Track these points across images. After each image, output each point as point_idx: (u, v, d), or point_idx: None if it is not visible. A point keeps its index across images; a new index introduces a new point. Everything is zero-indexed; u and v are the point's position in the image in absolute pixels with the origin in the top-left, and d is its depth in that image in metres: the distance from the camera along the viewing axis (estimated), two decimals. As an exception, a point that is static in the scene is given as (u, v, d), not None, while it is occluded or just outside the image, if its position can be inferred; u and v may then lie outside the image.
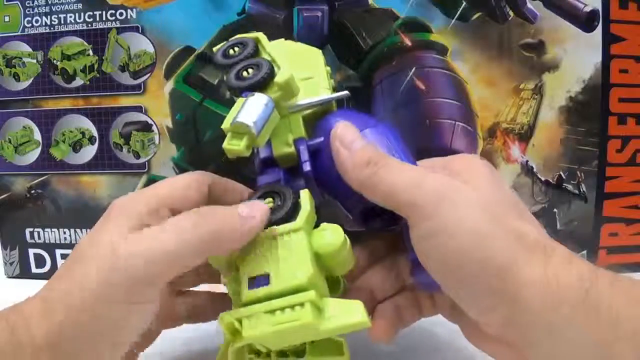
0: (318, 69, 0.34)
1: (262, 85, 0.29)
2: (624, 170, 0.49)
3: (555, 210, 0.50)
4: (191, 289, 0.36)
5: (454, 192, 0.26)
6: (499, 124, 0.49)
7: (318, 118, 0.32)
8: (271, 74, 0.29)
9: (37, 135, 0.50)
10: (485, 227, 0.25)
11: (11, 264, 0.53)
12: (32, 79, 0.50)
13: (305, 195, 0.29)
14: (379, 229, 0.31)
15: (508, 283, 0.25)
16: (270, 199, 0.29)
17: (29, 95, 0.50)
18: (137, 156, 0.50)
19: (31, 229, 0.52)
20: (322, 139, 0.30)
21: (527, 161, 0.49)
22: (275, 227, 0.28)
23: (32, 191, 0.51)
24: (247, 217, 0.27)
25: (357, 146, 0.28)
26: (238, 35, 0.33)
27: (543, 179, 0.49)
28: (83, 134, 0.50)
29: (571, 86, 0.48)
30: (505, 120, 0.49)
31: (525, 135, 0.49)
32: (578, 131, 0.49)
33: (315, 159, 0.30)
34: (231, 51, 0.32)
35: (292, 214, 0.28)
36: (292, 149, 0.30)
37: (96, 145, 0.50)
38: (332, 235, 0.28)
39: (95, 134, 0.50)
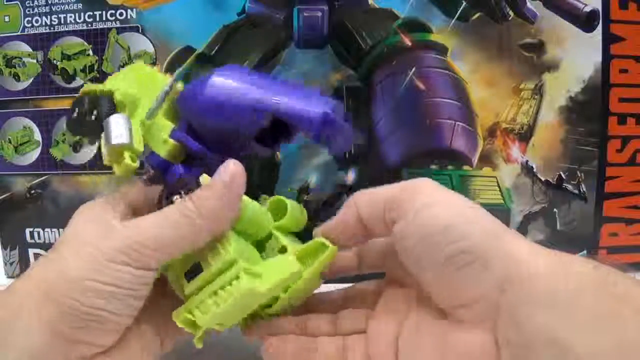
0: (156, 76, 0.34)
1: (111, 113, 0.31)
2: (624, 170, 0.49)
3: (555, 210, 0.50)
4: None
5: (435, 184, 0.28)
6: (499, 124, 0.49)
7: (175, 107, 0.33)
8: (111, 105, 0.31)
9: (37, 135, 0.50)
10: (472, 206, 0.27)
11: (11, 264, 0.53)
12: (32, 79, 0.50)
13: (204, 179, 0.30)
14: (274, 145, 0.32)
15: (508, 246, 0.25)
16: (177, 196, 0.30)
17: (29, 95, 0.50)
18: (137, 156, 0.50)
19: (31, 229, 0.52)
20: (184, 122, 0.31)
21: (527, 161, 0.49)
22: None
23: (32, 191, 0.51)
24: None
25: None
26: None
27: (543, 179, 0.49)
28: (83, 134, 0.50)
29: (571, 86, 0.48)
30: (505, 120, 0.49)
31: (525, 135, 0.49)
32: (578, 131, 0.49)
33: (194, 133, 0.31)
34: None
35: None
36: (171, 143, 0.31)
37: (96, 145, 0.50)
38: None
39: (95, 134, 0.50)
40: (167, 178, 0.31)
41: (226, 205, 0.28)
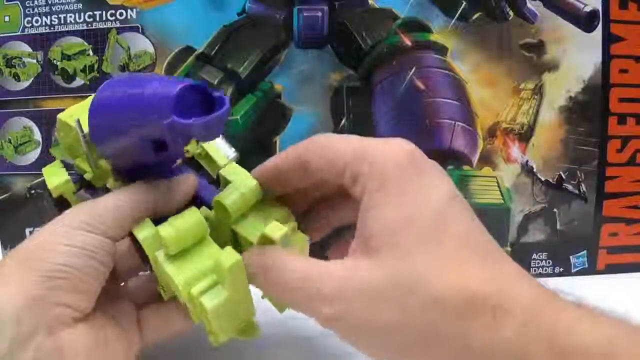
0: None
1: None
2: (624, 170, 0.49)
3: (555, 210, 0.50)
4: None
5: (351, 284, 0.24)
6: (499, 124, 0.49)
7: None
8: None
9: (37, 135, 0.50)
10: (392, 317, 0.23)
11: (11, 264, 0.53)
12: (32, 79, 0.50)
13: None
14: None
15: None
16: None
17: (29, 95, 0.50)
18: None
19: (31, 229, 0.52)
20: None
21: (527, 161, 0.49)
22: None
23: (32, 191, 0.51)
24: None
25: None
26: None
27: (543, 179, 0.49)
28: (83, 134, 0.50)
29: (571, 86, 0.48)
30: (505, 120, 0.49)
31: (525, 135, 0.49)
32: (578, 131, 0.49)
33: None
34: None
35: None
36: (112, 182, 0.33)
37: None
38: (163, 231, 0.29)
39: (95, 134, 0.50)
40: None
41: (175, 199, 0.31)
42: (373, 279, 0.24)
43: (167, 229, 0.28)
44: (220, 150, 0.35)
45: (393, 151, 0.26)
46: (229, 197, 0.30)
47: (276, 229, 0.29)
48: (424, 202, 0.25)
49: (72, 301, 0.27)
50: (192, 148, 0.36)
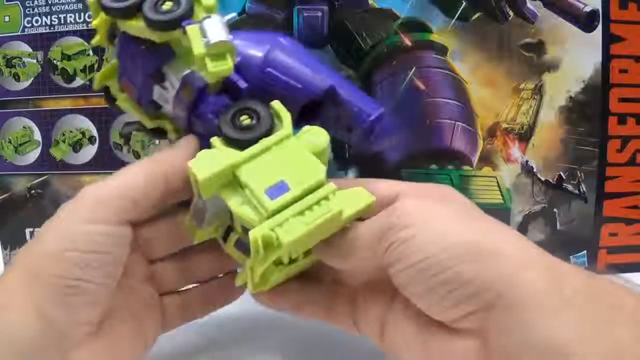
0: None
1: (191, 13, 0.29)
2: (624, 170, 0.49)
3: (555, 210, 0.50)
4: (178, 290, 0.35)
5: (427, 205, 0.28)
6: (499, 124, 0.49)
7: None
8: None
9: (37, 135, 0.50)
10: (461, 225, 0.27)
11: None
12: (32, 79, 0.50)
13: (278, 105, 0.30)
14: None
15: (501, 266, 0.24)
16: (246, 116, 0.30)
17: (29, 95, 0.50)
18: (138, 156, 0.50)
19: (31, 229, 0.52)
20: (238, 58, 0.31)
21: (527, 161, 0.49)
22: (266, 138, 0.29)
23: (32, 191, 0.51)
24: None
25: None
26: None
27: (543, 179, 0.49)
28: (83, 134, 0.50)
29: (571, 86, 0.48)
30: (505, 120, 0.49)
31: (525, 135, 0.49)
32: (578, 131, 0.49)
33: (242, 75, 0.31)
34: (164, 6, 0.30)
35: (273, 124, 0.29)
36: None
37: (96, 145, 0.50)
38: (319, 135, 0.29)
39: (95, 134, 0.50)
40: (201, 107, 0.31)
41: (182, 159, 0.29)
42: (441, 206, 0.28)
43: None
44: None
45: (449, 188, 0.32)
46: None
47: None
48: (475, 211, 0.30)
49: (87, 317, 0.26)
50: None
